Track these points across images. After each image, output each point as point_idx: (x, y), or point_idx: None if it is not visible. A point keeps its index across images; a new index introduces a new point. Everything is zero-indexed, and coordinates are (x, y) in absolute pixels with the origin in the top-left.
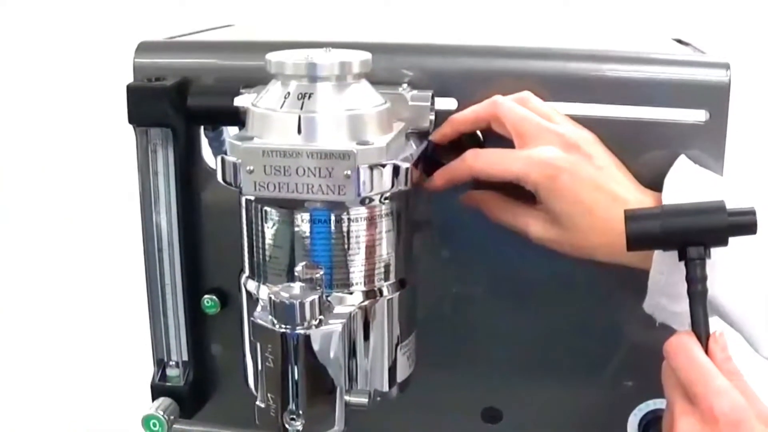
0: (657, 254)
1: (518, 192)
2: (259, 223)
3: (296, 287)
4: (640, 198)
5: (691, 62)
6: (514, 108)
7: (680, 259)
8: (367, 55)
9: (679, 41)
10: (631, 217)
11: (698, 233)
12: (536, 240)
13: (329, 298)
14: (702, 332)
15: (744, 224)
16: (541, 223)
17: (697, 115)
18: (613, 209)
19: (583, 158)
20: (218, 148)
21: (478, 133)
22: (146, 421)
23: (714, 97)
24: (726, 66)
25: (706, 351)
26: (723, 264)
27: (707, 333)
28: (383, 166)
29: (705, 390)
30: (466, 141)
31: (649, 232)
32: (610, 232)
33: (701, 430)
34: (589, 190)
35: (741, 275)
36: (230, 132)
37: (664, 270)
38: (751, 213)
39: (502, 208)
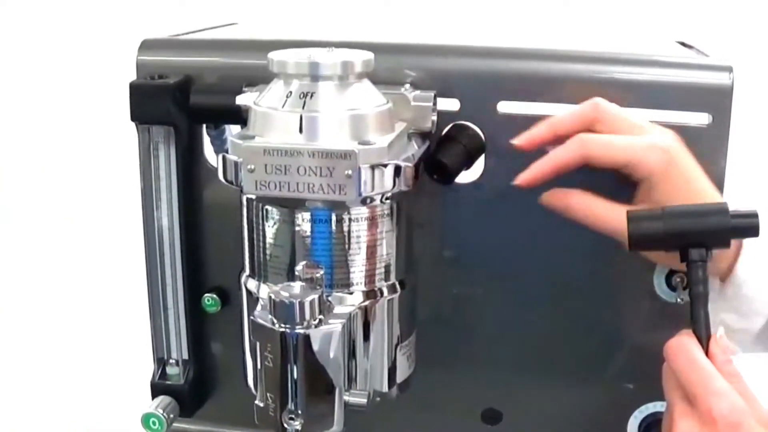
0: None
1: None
2: (260, 222)
3: (296, 286)
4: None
5: (694, 65)
6: (616, 107)
7: (681, 261)
8: (369, 55)
9: (683, 44)
10: (633, 217)
11: (700, 235)
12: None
13: (329, 298)
14: (703, 334)
15: (747, 226)
16: None
17: (700, 118)
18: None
19: (688, 152)
20: (220, 146)
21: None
22: (146, 419)
23: (717, 100)
24: (729, 69)
25: (707, 353)
26: None
27: (708, 335)
28: (384, 166)
29: (704, 391)
30: (467, 141)
31: (652, 232)
32: None
33: (700, 431)
34: (697, 181)
35: None
36: (232, 130)
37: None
38: (754, 215)
39: (595, 207)
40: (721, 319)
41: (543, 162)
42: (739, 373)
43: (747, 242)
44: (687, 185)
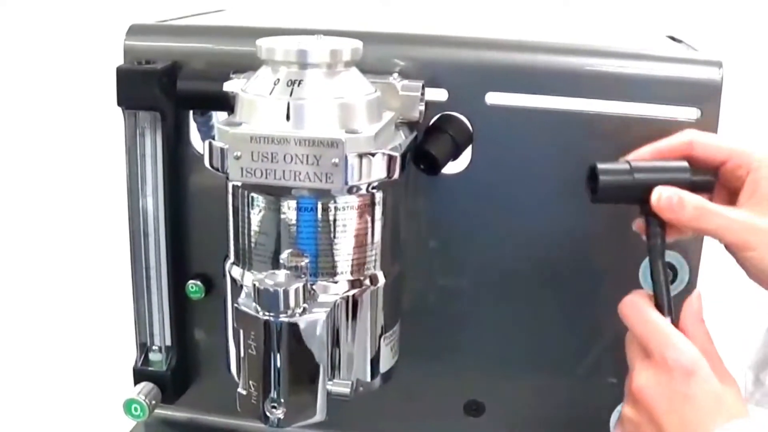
0: None
1: None
2: (246, 209)
3: (281, 275)
4: None
5: (684, 59)
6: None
7: (641, 213)
8: (357, 43)
9: (673, 38)
10: (602, 170)
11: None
12: (735, 243)
13: (314, 287)
14: (661, 285)
15: (704, 183)
16: (744, 223)
17: (689, 113)
18: None
19: None
20: (207, 133)
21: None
22: (128, 405)
23: (706, 95)
24: (718, 64)
25: (668, 304)
26: None
27: (668, 288)
28: (372, 155)
29: (658, 343)
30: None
31: (619, 184)
32: None
33: (656, 381)
34: None
35: None
36: (219, 117)
37: None
38: (711, 175)
39: (702, 209)
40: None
41: (648, 146)
42: (709, 335)
43: None
44: None
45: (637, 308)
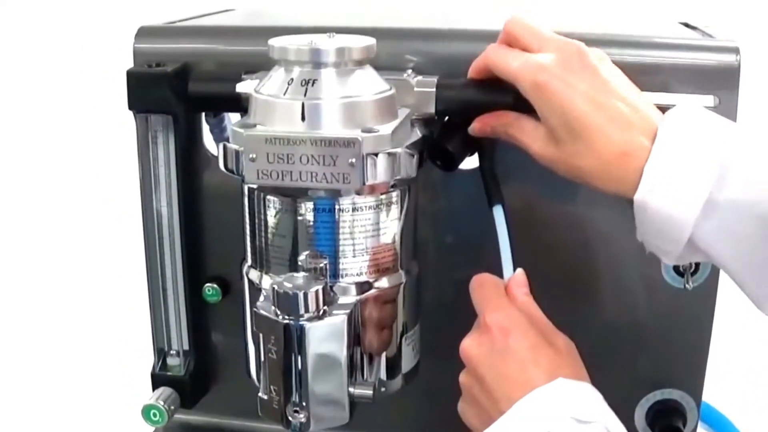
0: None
1: None
2: (262, 211)
3: (299, 277)
4: (644, 116)
5: (700, 47)
6: (530, 23)
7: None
8: (371, 41)
9: (686, 25)
10: (442, 85)
11: (484, 106)
12: (538, 158)
13: (333, 288)
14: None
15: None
16: (541, 139)
17: (707, 101)
18: (610, 128)
19: (582, 69)
20: (219, 135)
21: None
22: (146, 411)
23: (723, 82)
24: (735, 50)
25: (499, 195)
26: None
27: (496, 181)
28: (388, 153)
29: (482, 306)
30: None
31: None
32: (603, 154)
33: (479, 341)
34: (584, 103)
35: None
36: (231, 118)
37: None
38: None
39: (511, 123)
40: (645, 240)
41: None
42: (534, 305)
43: (649, 167)
44: (572, 106)
45: (480, 284)
